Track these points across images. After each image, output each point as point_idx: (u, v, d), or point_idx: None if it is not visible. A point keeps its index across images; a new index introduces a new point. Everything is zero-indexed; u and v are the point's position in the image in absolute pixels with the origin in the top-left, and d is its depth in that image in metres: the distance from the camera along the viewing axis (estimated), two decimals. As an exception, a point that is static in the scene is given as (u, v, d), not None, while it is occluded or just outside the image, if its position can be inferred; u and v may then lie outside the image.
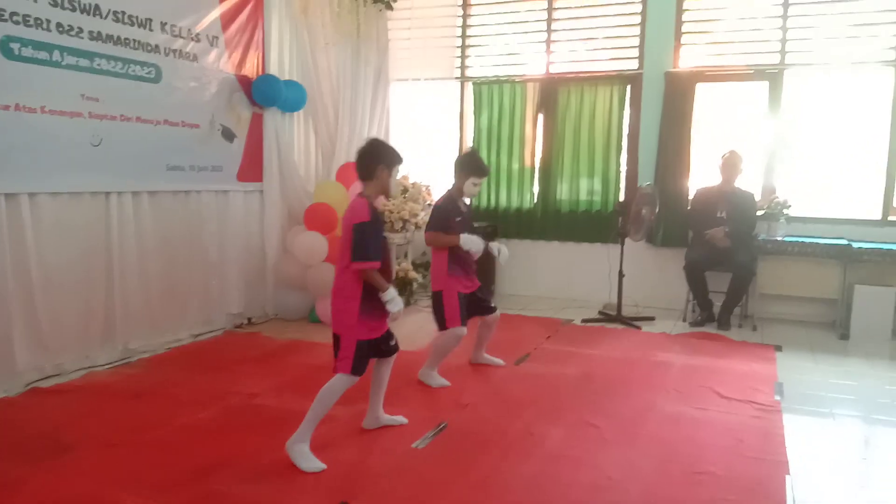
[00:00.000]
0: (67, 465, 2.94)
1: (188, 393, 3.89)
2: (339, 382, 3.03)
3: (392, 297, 3.02)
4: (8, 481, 2.78)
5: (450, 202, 4.10)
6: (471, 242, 4.01)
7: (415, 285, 6.29)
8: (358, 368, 3.03)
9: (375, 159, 3.11)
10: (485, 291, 4.34)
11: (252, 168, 5.66)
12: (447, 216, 4.06)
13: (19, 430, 3.34)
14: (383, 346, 3.21)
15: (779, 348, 5.07)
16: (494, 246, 4.24)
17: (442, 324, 4.07)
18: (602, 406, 3.76)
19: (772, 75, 6.05)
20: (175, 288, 5.00)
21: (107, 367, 4.38)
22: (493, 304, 4.35)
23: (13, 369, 3.89)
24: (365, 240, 2.97)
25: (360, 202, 3.05)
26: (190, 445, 3.18)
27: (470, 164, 4.10)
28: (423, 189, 6.57)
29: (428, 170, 6.73)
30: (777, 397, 3.94)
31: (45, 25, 3.95)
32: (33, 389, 3.92)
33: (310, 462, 2.94)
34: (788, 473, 2.95)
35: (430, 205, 6.52)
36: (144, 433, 3.29)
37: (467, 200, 4.32)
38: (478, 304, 4.25)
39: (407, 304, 6.34)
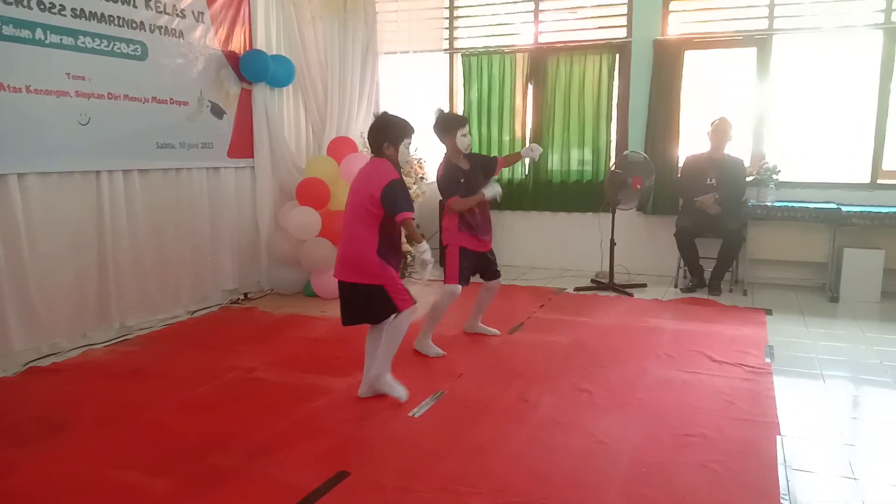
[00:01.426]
0: (65, 445, 2.97)
1: (186, 369, 3.92)
2: (405, 317, 3.28)
3: (426, 248, 3.26)
4: (5, 462, 2.81)
5: (449, 166, 4.08)
6: (489, 190, 4.08)
7: (409, 258, 6.30)
8: (413, 299, 3.30)
9: (381, 136, 3.25)
10: (494, 254, 4.36)
11: (242, 144, 5.64)
12: (454, 180, 4.05)
13: (16, 410, 3.37)
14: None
15: (769, 312, 5.13)
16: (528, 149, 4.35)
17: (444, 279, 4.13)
18: (594, 372, 3.82)
19: (760, 41, 6.03)
20: (169, 265, 5.02)
21: (104, 345, 4.41)
22: (498, 271, 4.37)
23: (10, 349, 3.91)
24: (400, 193, 3.17)
25: (384, 163, 3.22)
26: (188, 421, 3.21)
27: (450, 121, 4.09)
28: (415, 163, 6.56)
29: (419, 143, 6.69)
30: (767, 360, 3.99)
31: (26, 3, 3.90)
32: (31, 369, 3.94)
33: (398, 390, 3.33)
34: (779, 434, 3.00)
35: (422, 178, 6.52)
36: (142, 411, 3.33)
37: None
38: (487, 266, 4.28)
39: (402, 275, 6.36)
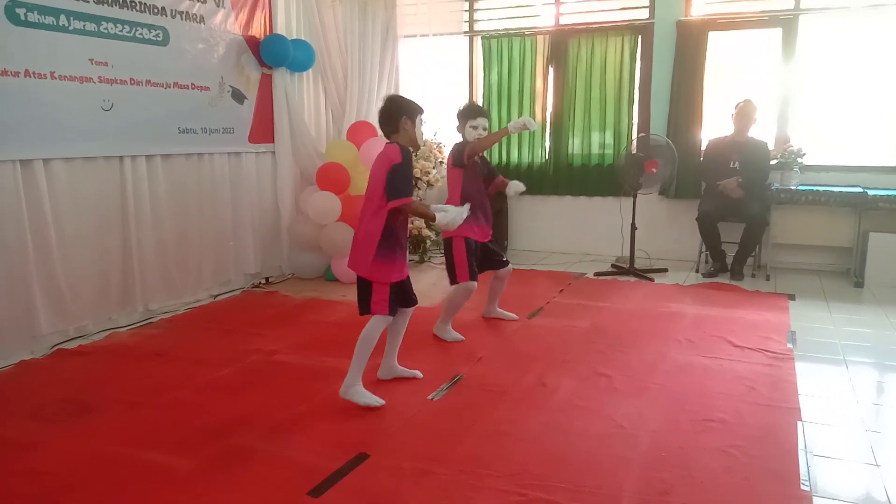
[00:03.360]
0: (91, 425, 3.04)
1: (208, 352, 3.98)
2: (377, 324, 3.18)
3: (445, 211, 3.22)
4: (32, 440, 2.88)
5: (459, 144, 4.08)
6: (512, 187, 4.16)
7: (428, 242, 6.33)
8: (393, 309, 3.19)
9: (397, 113, 3.20)
10: (497, 244, 4.36)
11: (263, 129, 5.67)
12: (464, 150, 4.04)
13: (43, 391, 3.44)
14: (409, 291, 3.33)
15: (792, 297, 5.08)
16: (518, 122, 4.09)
17: (453, 277, 4.10)
18: (613, 357, 3.81)
19: (786, 21, 5.92)
20: (192, 249, 5.08)
21: (128, 328, 4.49)
22: (505, 258, 4.38)
23: (38, 332, 3.99)
24: (401, 178, 3.09)
25: (392, 147, 3.15)
26: (211, 403, 3.27)
27: (466, 110, 4.10)
28: (435, 147, 6.56)
29: (438, 127, 6.70)
30: (789, 345, 3.96)
31: (49, -11, 3.94)
32: (58, 351, 4.02)
33: (368, 398, 3.13)
34: (800, 420, 2.98)
35: (441, 162, 6.52)
36: (166, 392, 3.38)
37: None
38: (490, 258, 4.26)
39: (420, 261, 6.40)
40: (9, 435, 2.94)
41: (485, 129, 4.07)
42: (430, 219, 3.24)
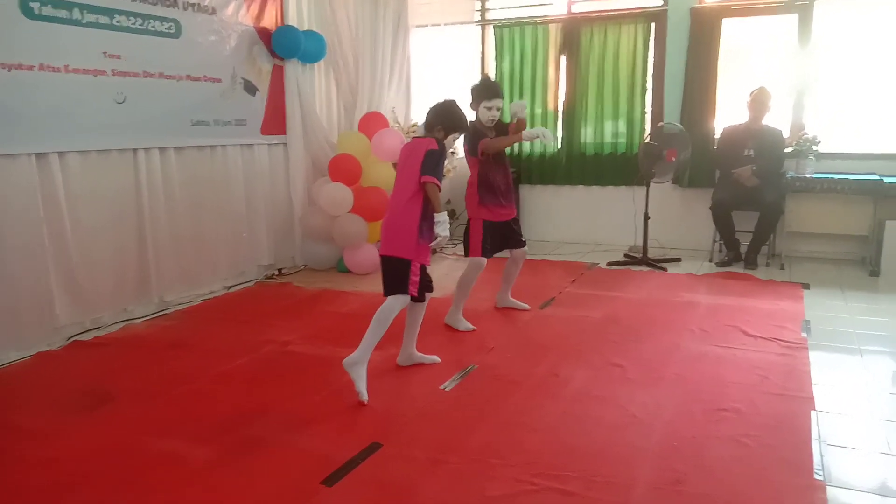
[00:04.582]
0: (107, 415, 3.07)
1: (223, 343, 4.01)
2: (397, 303, 3.23)
3: (441, 220, 3.22)
4: (51, 431, 2.91)
5: (472, 126, 3.98)
6: (534, 132, 4.08)
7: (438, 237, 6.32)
8: (421, 292, 3.30)
9: (438, 120, 3.33)
10: (518, 223, 4.36)
11: (275, 121, 5.68)
12: (479, 133, 4.03)
13: (61, 382, 3.49)
14: (429, 277, 3.40)
15: (806, 286, 5.04)
16: (534, 132, 4.10)
17: (466, 250, 4.15)
18: (627, 347, 3.81)
19: (801, 7, 5.84)
20: (205, 241, 5.10)
21: (144, 319, 4.53)
22: (523, 239, 4.36)
23: (55, 324, 4.03)
24: (433, 161, 3.21)
25: (429, 139, 3.29)
26: (225, 394, 3.30)
27: (480, 89, 4.05)
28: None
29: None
30: (804, 334, 3.94)
31: (63, -17, 3.96)
32: (74, 343, 4.07)
33: (363, 386, 3.14)
34: (814, 409, 2.96)
35: (452, 152, 6.51)
36: (182, 383, 3.41)
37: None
38: (510, 235, 4.26)
39: (433, 251, 6.39)
40: (27, 425, 2.98)
41: (499, 109, 4.05)
42: (435, 209, 3.28)
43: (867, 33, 5.80)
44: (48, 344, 3.98)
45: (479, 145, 4.01)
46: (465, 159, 4.31)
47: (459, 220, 6.35)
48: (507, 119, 4.38)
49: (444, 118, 3.33)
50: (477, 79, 4.23)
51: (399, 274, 3.23)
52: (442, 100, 3.42)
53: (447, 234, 3.32)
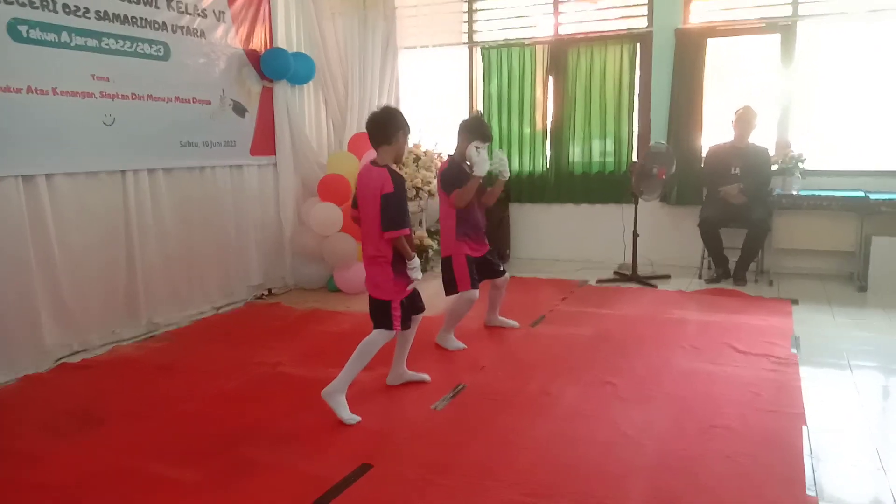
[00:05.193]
0: (96, 438, 3.04)
1: (213, 364, 3.98)
2: (381, 337, 3.21)
3: (416, 266, 3.22)
4: (39, 454, 2.88)
5: (453, 164, 4.07)
6: (493, 164, 4.05)
7: (430, 252, 6.32)
8: (405, 324, 3.28)
9: (396, 126, 3.23)
10: (494, 255, 4.36)
11: (265, 142, 5.69)
12: (459, 174, 4.03)
13: (49, 404, 3.45)
14: (417, 302, 3.42)
15: (795, 302, 5.07)
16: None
17: (451, 288, 4.10)
18: (618, 364, 3.80)
19: (784, 27, 5.94)
20: (195, 262, 5.09)
21: (133, 341, 4.49)
22: (502, 268, 4.38)
23: (42, 347, 3.99)
24: (391, 210, 3.10)
25: (380, 172, 3.13)
26: (216, 415, 3.27)
27: (475, 128, 4.07)
28: (436, 157, 6.57)
29: (439, 138, 6.71)
30: (794, 350, 3.95)
31: (51, 6, 3.97)
32: (62, 365, 4.03)
33: (345, 412, 3.12)
34: (805, 425, 2.96)
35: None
36: (171, 405, 3.38)
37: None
38: (488, 267, 4.27)
39: (423, 270, 6.38)
40: (16, 448, 2.95)
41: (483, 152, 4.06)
42: (407, 257, 3.19)
43: (850, 52, 5.89)
44: (35, 366, 3.93)
45: (453, 197, 3.97)
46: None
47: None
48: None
49: (400, 122, 3.23)
50: (465, 103, 4.21)
51: (381, 311, 3.22)
52: (375, 111, 3.28)
53: (420, 276, 3.27)
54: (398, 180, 3.15)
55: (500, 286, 4.43)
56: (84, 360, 4.12)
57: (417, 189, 6.13)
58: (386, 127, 3.21)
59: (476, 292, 4.08)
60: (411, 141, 3.43)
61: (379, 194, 3.09)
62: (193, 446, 2.92)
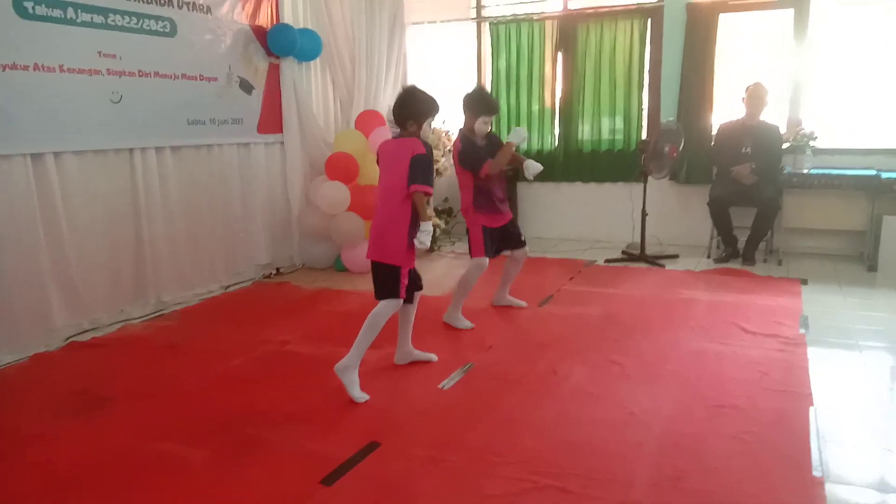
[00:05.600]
0: (104, 417, 3.06)
1: (221, 343, 4.00)
2: (390, 307, 3.22)
3: (428, 230, 3.21)
4: (48, 433, 2.91)
5: (466, 140, 4.06)
6: (530, 168, 4.11)
7: (437, 231, 6.32)
8: (409, 295, 3.32)
9: (406, 112, 3.24)
10: (515, 225, 4.36)
11: (272, 119, 5.67)
12: (475, 149, 4.05)
13: (59, 383, 3.48)
14: (417, 279, 3.43)
15: (804, 282, 5.04)
16: (529, 164, 4.17)
17: (470, 251, 4.16)
18: (625, 344, 3.80)
19: (798, 2, 5.83)
20: (203, 241, 5.09)
21: (141, 319, 4.52)
22: (523, 238, 4.36)
23: (51, 325, 4.02)
24: (422, 168, 3.15)
25: (413, 140, 3.21)
26: (224, 394, 3.29)
27: (480, 104, 4.05)
28: (444, 135, 6.54)
29: (447, 115, 6.65)
30: (802, 330, 3.94)
31: (57, -18, 3.94)
32: (71, 344, 4.06)
33: (355, 390, 3.14)
34: (812, 405, 2.96)
35: (450, 150, 6.49)
36: (179, 383, 3.41)
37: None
38: (508, 237, 4.26)
39: (431, 249, 6.39)
40: (24, 427, 2.98)
41: (490, 125, 4.11)
42: (422, 217, 3.21)
43: (864, 28, 5.79)
44: (45, 345, 3.97)
45: (484, 169, 4.01)
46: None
47: (457, 217, 6.35)
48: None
49: (413, 108, 3.24)
50: (473, 79, 4.20)
51: (390, 279, 3.22)
52: (401, 90, 3.33)
53: (428, 243, 3.25)
54: (428, 147, 3.23)
55: (519, 259, 4.41)
56: (94, 338, 4.15)
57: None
58: (400, 112, 3.26)
59: (486, 260, 4.10)
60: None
61: (410, 156, 3.13)
62: (201, 425, 2.94)
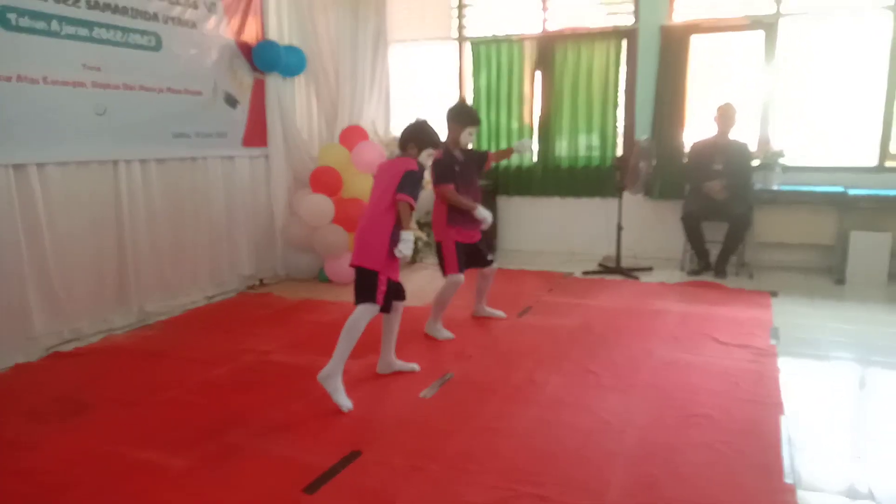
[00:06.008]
0: (86, 425, 3.07)
1: (203, 352, 4.03)
2: (366, 313, 3.27)
3: (409, 239, 3.29)
4: (28, 441, 2.91)
5: (445, 154, 4.14)
6: (484, 213, 4.21)
7: (419, 243, 6.38)
8: (386, 303, 3.36)
9: (411, 138, 3.45)
10: (484, 244, 4.44)
11: (256, 133, 5.72)
12: (448, 166, 4.13)
13: (39, 392, 3.48)
14: (400, 290, 3.49)
15: (774, 294, 5.17)
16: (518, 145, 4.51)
17: (443, 270, 4.23)
18: (601, 354, 3.89)
19: (767, 24, 6.02)
20: (187, 252, 5.11)
21: (124, 329, 4.52)
22: (490, 258, 4.45)
23: (32, 335, 4.01)
24: (411, 182, 3.30)
25: (409, 160, 3.38)
26: (205, 402, 3.31)
27: (466, 115, 4.18)
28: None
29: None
30: (773, 341, 4.04)
31: (41, -6, 3.96)
32: (53, 354, 4.05)
33: (341, 397, 3.19)
34: (783, 414, 3.04)
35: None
36: (161, 392, 3.43)
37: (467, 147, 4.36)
38: (476, 256, 4.35)
39: (413, 261, 6.46)
40: (5, 435, 2.98)
41: (473, 136, 4.24)
42: (404, 227, 3.30)
43: (831, 49, 5.99)
44: (25, 355, 3.95)
45: (439, 191, 4.16)
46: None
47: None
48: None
49: (417, 136, 3.44)
50: (454, 98, 4.32)
51: (368, 284, 3.28)
52: (414, 119, 3.52)
53: (409, 252, 3.33)
54: (421, 167, 3.39)
55: (488, 276, 4.50)
56: (76, 348, 4.15)
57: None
58: (407, 136, 3.46)
59: (461, 276, 4.17)
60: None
61: (403, 171, 3.28)
62: (182, 433, 2.96)
